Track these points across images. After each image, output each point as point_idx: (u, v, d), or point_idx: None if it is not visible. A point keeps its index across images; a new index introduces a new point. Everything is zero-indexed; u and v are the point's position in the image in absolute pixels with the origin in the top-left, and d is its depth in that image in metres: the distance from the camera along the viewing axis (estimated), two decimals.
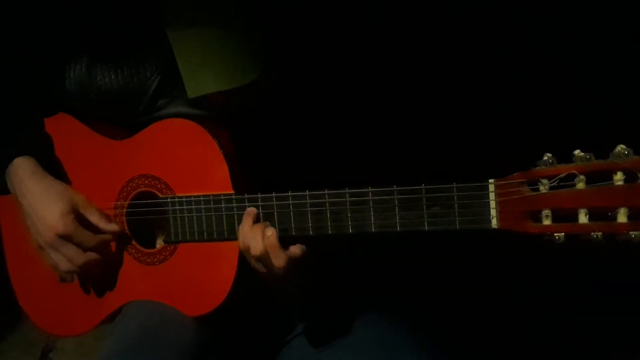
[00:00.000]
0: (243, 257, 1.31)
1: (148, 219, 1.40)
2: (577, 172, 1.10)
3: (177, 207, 1.36)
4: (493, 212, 1.15)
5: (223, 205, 1.31)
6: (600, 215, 1.10)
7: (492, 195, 1.15)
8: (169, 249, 1.38)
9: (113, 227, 1.39)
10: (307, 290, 1.35)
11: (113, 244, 1.42)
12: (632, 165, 1.07)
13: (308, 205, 1.25)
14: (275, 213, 1.28)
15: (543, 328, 1.79)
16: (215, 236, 1.33)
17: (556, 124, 1.61)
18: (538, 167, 1.12)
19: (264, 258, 1.25)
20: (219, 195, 1.32)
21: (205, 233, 1.33)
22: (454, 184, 1.17)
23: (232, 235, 1.31)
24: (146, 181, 1.39)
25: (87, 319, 1.47)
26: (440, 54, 1.62)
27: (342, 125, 1.35)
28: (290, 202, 1.26)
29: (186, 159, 1.35)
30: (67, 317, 1.50)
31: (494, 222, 1.15)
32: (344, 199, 1.23)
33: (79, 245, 1.37)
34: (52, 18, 1.47)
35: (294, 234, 1.27)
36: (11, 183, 1.42)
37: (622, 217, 1.08)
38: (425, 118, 1.41)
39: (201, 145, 1.33)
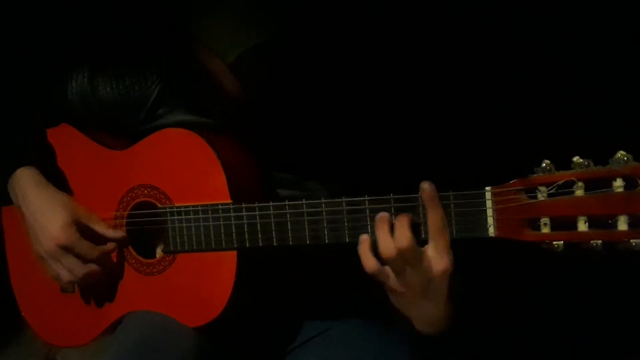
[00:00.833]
0: (241, 267, 1.30)
1: (147, 229, 1.40)
2: (575, 179, 1.08)
3: (176, 217, 1.35)
4: (490, 220, 1.13)
5: (221, 215, 1.31)
6: (600, 222, 1.08)
7: (489, 203, 1.13)
8: (168, 259, 1.38)
9: (119, 234, 1.39)
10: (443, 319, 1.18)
11: (114, 255, 1.42)
12: (632, 172, 1.05)
13: (305, 214, 1.24)
14: (272, 222, 1.27)
15: (541, 332, 1.77)
16: (213, 246, 1.32)
17: (554, 130, 1.59)
18: (536, 174, 1.10)
19: (416, 261, 1.12)
20: (217, 204, 1.31)
21: (203, 243, 1.33)
22: (451, 192, 1.15)
23: (230, 245, 1.31)
24: (145, 191, 1.39)
25: (88, 329, 1.47)
26: (437, 61, 1.61)
27: (340, 132, 1.35)
28: (288, 211, 1.26)
29: (184, 168, 1.35)
30: (69, 328, 1.50)
31: (491, 230, 1.14)
32: (340, 208, 1.22)
33: (80, 256, 1.37)
34: (54, 29, 1.49)
35: (291, 243, 1.26)
36: (14, 193, 1.43)
37: (622, 225, 1.06)
38: (421, 125, 1.40)
39: (199, 154, 1.33)
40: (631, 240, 1.06)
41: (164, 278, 1.38)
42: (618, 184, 1.06)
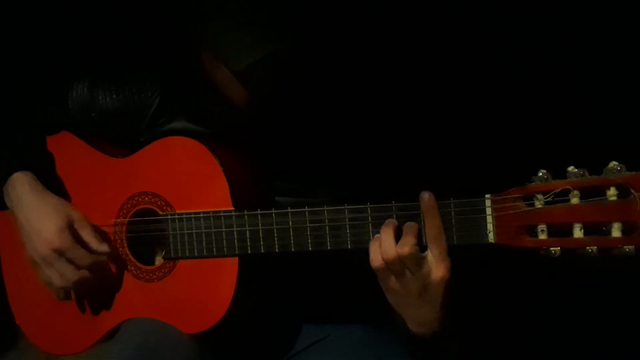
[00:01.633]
0: (242, 274, 1.32)
1: (148, 236, 1.41)
2: (571, 188, 1.12)
3: (177, 224, 1.37)
4: (490, 226, 1.17)
5: (223, 222, 1.33)
6: (594, 229, 1.12)
7: (488, 210, 1.17)
8: (168, 265, 1.39)
9: (104, 248, 1.39)
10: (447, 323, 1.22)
11: (112, 261, 1.43)
12: (625, 181, 1.10)
13: (307, 221, 1.27)
14: (275, 229, 1.29)
15: (538, 336, 1.81)
16: (214, 253, 1.34)
17: (551, 140, 1.64)
18: (533, 183, 1.15)
19: (416, 267, 1.16)
20: (219, 212, 1.33)
21: (204, 249, 1.34)
22: (451, 199, 1.19)
23: (232, 252, 1.33)
24: (146, 198, 1.41)
25: (85, 337, 1.47)
26: (441, 71, 1.66)
27: (343, 140, 1.37)
28: (290, 218, 1.28)
29: (186, 176, 1.36)
30: (65, 336, 1.49)
31: (491, 237, 1.17)
32: (343, 215, 1.25)
33: (72, 262, 1.37)
34: (55, 36, 1.50)
35: (293, 250, 1.29)
36: (9, 198, 1.43)
37: (616, 232, 1.11)
38: (423, 135, 1.43)
39: (201, 162, 1.35)
40: (625, 247, 1.10)
41: (164, 285, 1.39)
42: (612, 192, 1.11)
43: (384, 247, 1.17)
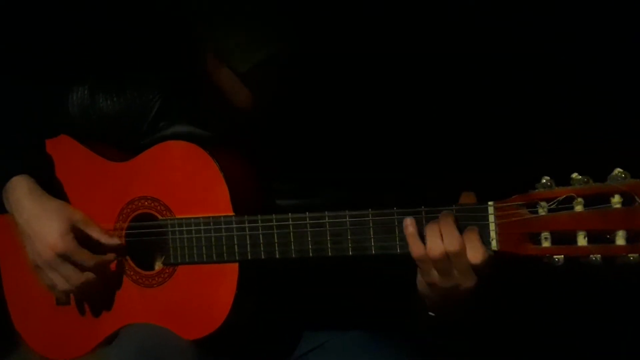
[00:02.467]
0: (242, 280, 1.31)
1: (147, 241, 1.40)
2: (575, 195, 1.11)
3: (177, 229, 1.36)
4: (492, 234, 1.16)
5: (223, 227, 1.32)
6: (598, 237, 1.11)
7: (491, 218, 1.16)
8: (167, 271, 1.38)
9: (114, 241, 1.39)
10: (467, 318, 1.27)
11: (111, 266, 1.42)
12: (630, 188, 1.08)
13: (308, 226, 1.26)
14: (275, 234, 1.28)
15: (541, 340, 1.80)
16: (214, 258, 1.33)
17: (554, 147, 1.63)
18: (536, 190, 1.13)
19: (458, 257, 1.15)
20: (219, 217, 1.32)
21: (204, 255, 1.34)
22: (454, 206, 1.18)
23: (232, 258, 1.32)
24: (146, 203, 1.40)
25: (84, 342, 1.46)
26: (439, 70, 1.65)
27: (342, 143, 1.37)
28: (290, 223, 1.27)
29: (186, 180, 1.36)
30: (64, 341, 1.49)
31: (494, 244, 1.16)
32: (344, 220, 1.24)
33: (77, 264, 1.37)
34: (56, 39, 1.49)
35: (293, 255, 1.28)
36: (8, 202, 1.43)
37: (620, 240, 1.10)
38: (423, 139, 1.42)
39: (202, 167, 1.34)
40: (629, 255, 1.09)
41: (164, 290, 1.38)
42: (616, 200, 1.09)
43: (446, 240, 1.15)
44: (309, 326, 1.43)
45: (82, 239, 1.39)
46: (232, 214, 1.32)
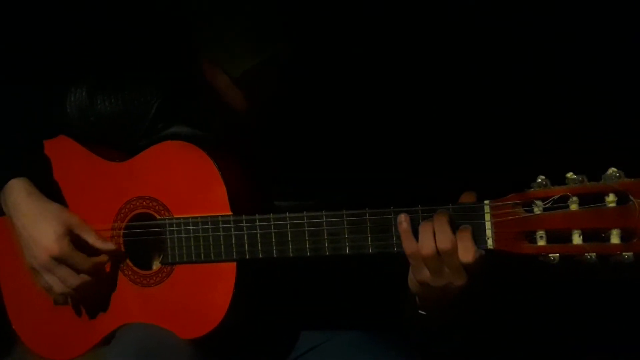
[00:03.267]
0: (240, 278, 1.31)
1: (145, 241, 1.41)
2: (570, 194, 1.12)
3: (175, 228, 1.36)
4: (488, 232, 1.17)
5: (220, 227, 1.32)
6: (593, 236, 1.12)
7: (487, 216, 1.17)
8: (165, 270, 1.39)
9: (109, 246, 1.39)
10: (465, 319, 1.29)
11: (109, 266, 1.42)
12: (624, 187, 1.09)
13: (305, 225, 1.27)
14: (273, 234, 1.29)
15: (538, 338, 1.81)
16: (212, 257, 1.34)
17: (549, 146, 1.64)
18: (532, 189, 1.14)
19: (449, 255, 1.15)
20: (217, 216, 1.33)
21: (202, 254, 1.34)
22: (450, 205, 1.19)
23: (230, 257, 1.32)
24: (144, 203, 1.40)
25: (82, 342, 1.46)
26: (437, 70, 1.66)
27: (339, 144, 1.38)
28: (288, 222, 1.28)
29: (184, 180, 1.36)
30: (62, 341, 1.49)
31: (490, 243, 1.17)
32: (341, 219, 1.25)
33: (73, 267, 1.37)
34: (54, 41, 1.50)
35: (291, 255, 1.28)
36: (5, 205, 1.43)
37: (615, 238, 1.10)
38: (420, 139, 1.43)
39: (199, 166, 1.34)
40: (623, 253, 1.10)
41: (161, 290, 1.38)
42: (611, 199, 1.10)
43: (439, 237, 1.16)
44: (307, 326, 1.43)
45: (78, 242, 1.39)
46: (230, 213, 1.32)
